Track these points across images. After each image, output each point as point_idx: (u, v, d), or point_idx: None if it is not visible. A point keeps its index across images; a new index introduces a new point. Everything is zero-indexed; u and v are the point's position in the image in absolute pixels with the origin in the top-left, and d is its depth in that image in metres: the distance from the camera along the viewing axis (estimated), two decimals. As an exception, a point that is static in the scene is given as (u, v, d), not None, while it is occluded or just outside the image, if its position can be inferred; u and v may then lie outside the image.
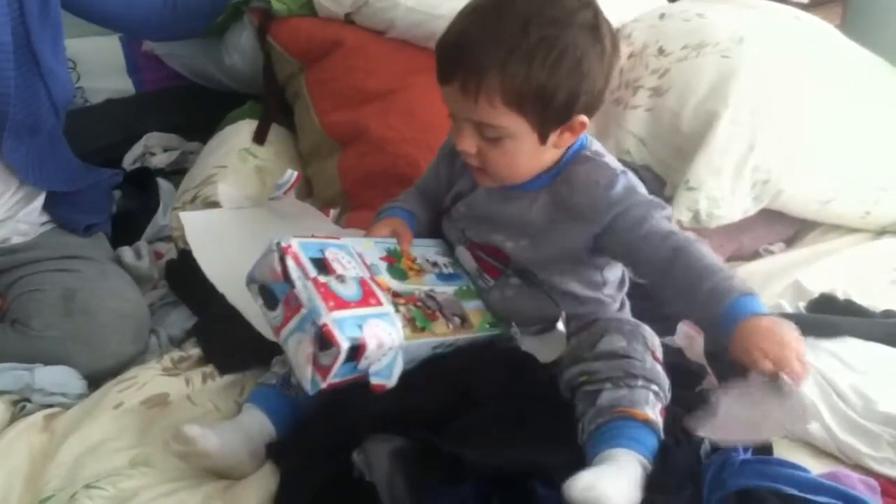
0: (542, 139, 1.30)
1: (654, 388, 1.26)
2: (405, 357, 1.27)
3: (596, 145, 1.41)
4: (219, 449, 1.29)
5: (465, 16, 1.29)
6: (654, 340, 1.33)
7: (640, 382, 1.25)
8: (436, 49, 1.30)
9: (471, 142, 1.30)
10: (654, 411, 1.24)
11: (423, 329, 1.31)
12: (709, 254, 1.28)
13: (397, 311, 1.29)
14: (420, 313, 1.33)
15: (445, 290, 1.41)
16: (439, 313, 1.36)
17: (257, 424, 1.35)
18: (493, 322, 1.43)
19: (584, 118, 1.30)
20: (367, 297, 1.27)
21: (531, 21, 1.23)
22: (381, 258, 1.39)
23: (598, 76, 1.28)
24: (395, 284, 1.35)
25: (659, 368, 1.29)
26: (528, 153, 1.31)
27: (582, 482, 1.10)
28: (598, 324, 1.34)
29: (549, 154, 1.34)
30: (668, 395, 1.28)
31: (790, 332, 1.18)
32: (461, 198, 1.46)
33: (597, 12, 1.28)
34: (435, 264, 1.46)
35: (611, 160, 1.39)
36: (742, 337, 1.17)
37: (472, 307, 1.42)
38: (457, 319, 1.38)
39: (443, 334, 1.34)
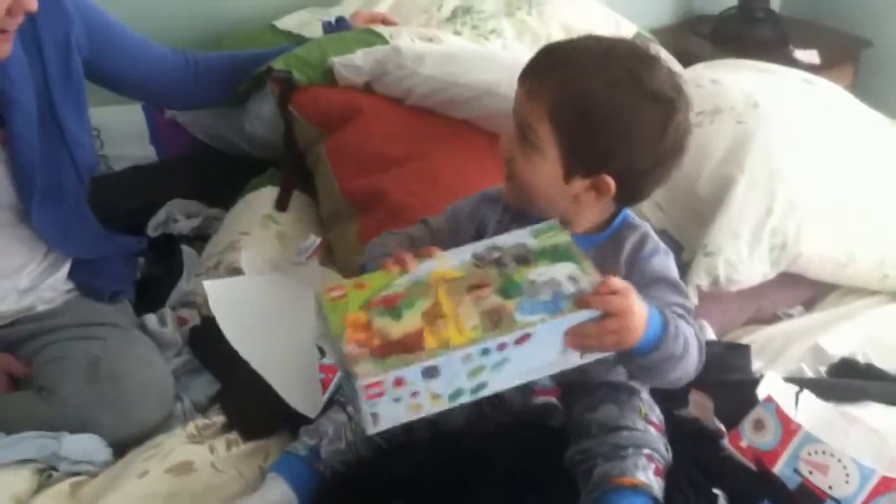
0: (567, 176, 1.31)
1: (646, 451, 1.28)
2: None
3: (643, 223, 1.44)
4: None
5: (575, 40, 1.35)
6: (653, 408, 1.36)
7: (630, 451, 1.28)
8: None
9: (510, 139, 1.34)
10: (646, 474, 1.26)
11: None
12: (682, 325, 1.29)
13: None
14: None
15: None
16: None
17: (281, 498, 1.37)
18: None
19: (610, 181, 1.30)
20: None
21: (617, 62, 1.27)
22: None
23: (642, 155, 1.29)
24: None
25: (653, 431, 1.32)
26: (548, 179, 1.32)
27: None
28: (599, 392, 1.37)
29: (571, 204, 1.34)
30: (667, 454, 1.31)
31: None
32: None
33: (679, 107, 1.30)
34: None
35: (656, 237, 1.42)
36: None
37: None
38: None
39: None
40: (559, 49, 1.33)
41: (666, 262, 1.39)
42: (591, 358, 1.20)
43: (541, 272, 1.20)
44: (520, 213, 1.40)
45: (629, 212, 1.41)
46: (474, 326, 1.15)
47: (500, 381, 1.18)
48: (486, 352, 1.15)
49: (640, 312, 1.19)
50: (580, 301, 1.16)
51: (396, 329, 1.16)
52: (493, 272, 1.22)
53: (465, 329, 1.15)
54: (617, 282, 1.18)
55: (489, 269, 1.22)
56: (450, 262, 1.24)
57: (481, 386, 1.17)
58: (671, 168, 1.34)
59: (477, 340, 1.14)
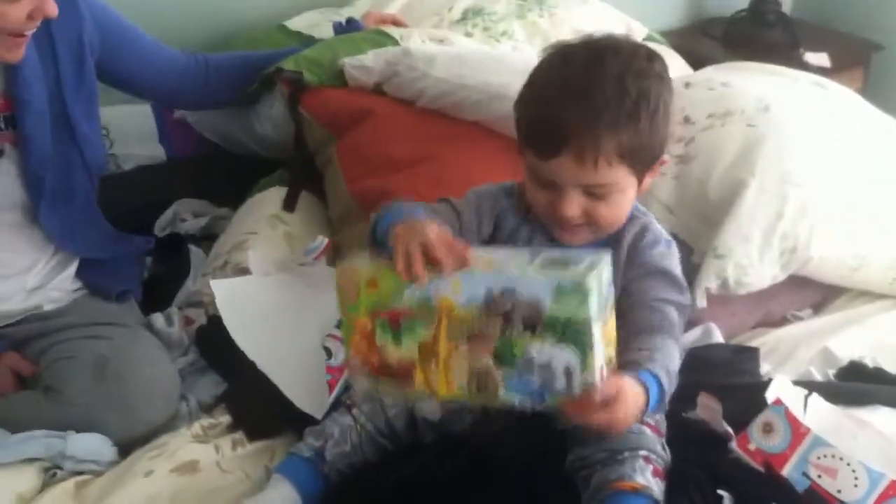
0: (640, 183, 1.35)
1: (643, 452, 1.28)
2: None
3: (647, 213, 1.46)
4: None
5: (554, 86, 1.31)
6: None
7: (626, 454, 1.27)
8: (530, 125, 1.33)
9: (577, 205, 1.31)
10: (644, 476, 1.26)
11: None
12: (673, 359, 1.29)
13: None
14: None
15: None
16: None
17: (285, 500, 1.37)
18: None
19: (666, 157, 1.38)
20: None
21: (624, 77, 1.28)
22: None
23: (671, 119, 1.36)
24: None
25: (648, 432, 1.31)
26: (630, 200, 1.36)
27: None
28: None
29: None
30: (665, 454, 1.31)
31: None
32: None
33: (663, 60, 1.36)
34: None
35: (661, 227, 1.44)
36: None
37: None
38: None
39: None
40: (574, 99, 1.28)
41: (666, 254, 1.40)
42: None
43: (541, 350, 1.15)
44: (539, 225, 1.41)
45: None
46: (461, 386, 1.21)
47: None
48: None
49: (630, 411, 1.17)
50: (565, 404, 1.15)
51: (394, 354, 1.24)
52: (497, 328, 1.18)
53: (452, 385, 1.21)
54: (608, 391, 1.14)
55: (495, 320, 1.18)
56: (462, 295, 1.19)
57: None
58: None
59: (459, 399, 1.22)
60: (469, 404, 1.22)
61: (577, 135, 1.26)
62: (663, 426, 1.36)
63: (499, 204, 1.46)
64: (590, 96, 1.27)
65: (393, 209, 1.34)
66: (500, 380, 1.18)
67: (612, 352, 1.19)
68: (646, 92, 1.28)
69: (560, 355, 1.14)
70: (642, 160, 1.31)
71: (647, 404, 1.19)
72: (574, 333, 1.13)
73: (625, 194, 1.33)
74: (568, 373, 1.14)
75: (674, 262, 1.40)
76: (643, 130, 1.28)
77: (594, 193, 1.31)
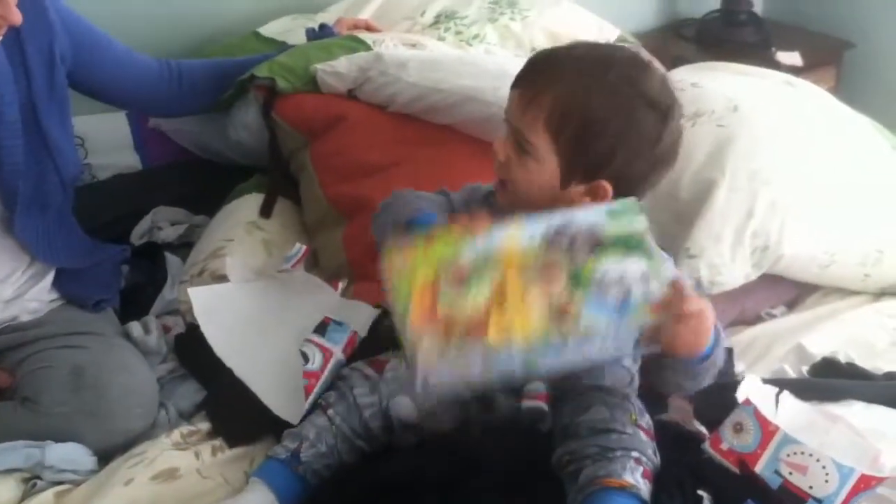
0: (564, 182, 1.34)
1: (634, 454, 1.28)
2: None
3: None
4: None
5: (569, 47, 1.37)
6: (643, 413, 1.36)
7: (618, 453, 1.28)
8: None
9: (504, 146, 1.36)
10: (633, 476, 1.26)
11: None
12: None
13: None
14: None
15: None
16: None
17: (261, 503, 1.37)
18: None
19: (607, 186, 1.33)
20: None
21: (611, 70, 1.30)
22: None
23: (640, 159, 1.33)
24: None
25: (641, 435, 1.31)
26: (546, 184, 1.35)
27: None
28: (589, 394, 1.36)
29: (567, 208, 1.35)
30: (655, 457, 1.31)
31: None
32: None
33: (674, 114, 1.34)
34: None
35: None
36: None
37: None
38: None
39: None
40: (553, 57, 1.35)
41: (674, 271, 1.42)
42: (645, 351, 1.29)
43: (611, 266, 1.21)
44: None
45: None
46: (541, 319, 1.19)
47: (551, 366, 1.23)
48: (545, 347, 1.20)
49: (711, 316, 1.25)
50: (653, 307, 1.20)
51: (464, 308, 1.20)
52: (564, 259, 1.21)
53: (531, 321, 1.20)
54: (688, 285, 1.22)
55: (559, 254, 1.22)
56: (523, 232, 1.23)
57: (532, 371, 1.24)
58: (664, 172, 1.38)
59: (540, 335, 1.20)
60: (551, 341, 1.19)
61: (536, 83, 1.31)
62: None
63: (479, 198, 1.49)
64: (572, 62, 1.32)
65: (394, 202, 1.45)
66: (579, 304, 1.20)
67: None
68: (622, 96, 1.29)
69: (630, 266, 1.20)
70: (569, 147, 1.31)
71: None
72: (637, 243, 1.21)
73: (540, 169, 1.34)
74: (643, 279, 1.20)
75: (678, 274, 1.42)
76: (586, 115, 1.29)
77: (519, 146, 1.34)
